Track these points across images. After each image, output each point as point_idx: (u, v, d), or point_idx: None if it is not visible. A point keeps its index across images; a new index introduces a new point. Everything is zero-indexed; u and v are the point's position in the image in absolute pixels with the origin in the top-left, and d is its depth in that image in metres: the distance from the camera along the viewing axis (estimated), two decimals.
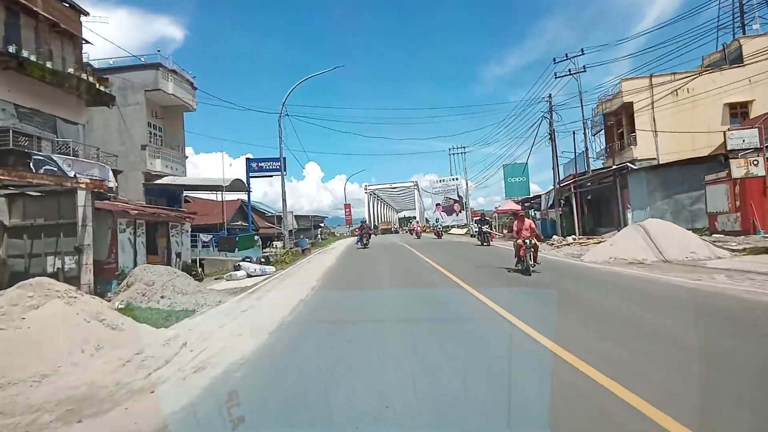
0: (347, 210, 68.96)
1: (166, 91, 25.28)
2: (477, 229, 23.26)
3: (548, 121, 25.82)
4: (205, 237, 20.24)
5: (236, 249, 20.14)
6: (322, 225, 51.55)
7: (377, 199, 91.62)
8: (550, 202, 26.45)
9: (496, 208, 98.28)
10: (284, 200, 24.22)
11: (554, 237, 23.42)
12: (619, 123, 37.27)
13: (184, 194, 34.67)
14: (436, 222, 33.87)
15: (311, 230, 46.57)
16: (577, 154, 39.64)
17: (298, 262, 20.08)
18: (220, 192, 27.86)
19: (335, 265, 17.04)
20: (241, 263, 17.63)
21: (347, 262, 18.31)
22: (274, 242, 24.42)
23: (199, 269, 19.53)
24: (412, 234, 46.15)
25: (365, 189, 79.21)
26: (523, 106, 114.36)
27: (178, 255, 18.16)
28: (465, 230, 57.93)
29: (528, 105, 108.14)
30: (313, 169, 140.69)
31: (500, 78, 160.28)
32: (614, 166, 25.32)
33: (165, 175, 26.11)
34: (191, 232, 26.69)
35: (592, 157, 40.10)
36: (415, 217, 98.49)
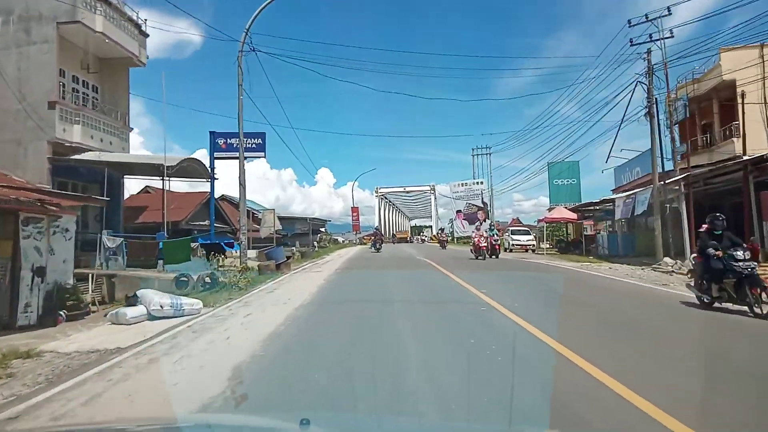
0: (354, 214, 60.85)
1: (92, 27, 17.41)
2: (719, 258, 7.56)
3: (644, 87, 17.57)
4: (110, 241, 12.31)
5: (160, 261, 12.17)
6: (322, 230, 43.46)
7: (389, 204, 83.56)
8: (641, 208, 18.16)
9: (512, 219, 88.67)
10: (242, 185, 16.05)
11: (665, 260, 15.07)
12: (704, 111, 28.86)
13: (139, 183, 26.95)
14: (490, 230, 24.45)
15: (309, 236, 38.54)
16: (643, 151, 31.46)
17: (257, 288, 12.02)
18: (166, 178, 19.99)
19: (305, 313, 8.86)
20: (140, 293, 9.57)
21: (330, 313, 10.12)
22: (220, 254, 16.35)
23: (90, 296, 11.63)
24: (443, 247, 34.16)
25: (376, 192, 71.20)
26: (563, 98, 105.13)
27: (40, 271, 10.16)
28: None
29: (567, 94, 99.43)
30: (325, 174, 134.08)
31: (516, 90, 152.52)
32: (746, 158, 16.91)
33: (90, 149, 18.33)
34: (125, 232, 18.90)
35: (666, 158, 32.01)
36: (430, 227, 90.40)
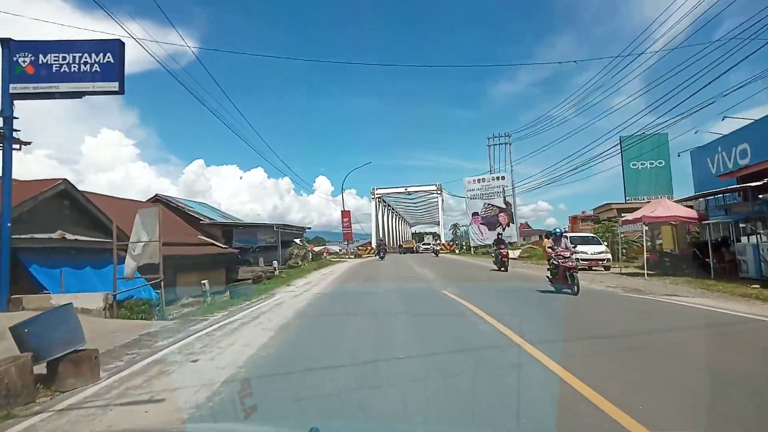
0: (345, 219, 49.50)
1: None
2: None
3: None
4: None
5: None
6: (297, 241, 31.69)
7: (387, 209, 72.60)
8: None
9: (521, 224, 73.40)
10: None
11: None
12: None
13: None
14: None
15: (277, 250, 27.51)
16: None
17: None
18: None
19: None
20: None
21: None
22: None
23: None
24: (504, 267, 20.98)
25: (373, 194, 60.13)
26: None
27: None
28: (518, 252, 38.81)
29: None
30: (323, 182, 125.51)
31: (511, 95, 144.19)
32: None
33: None
34: None
35: None
36: (435, 233, 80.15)
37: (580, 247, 22.37)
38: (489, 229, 45.41)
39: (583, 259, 21.64)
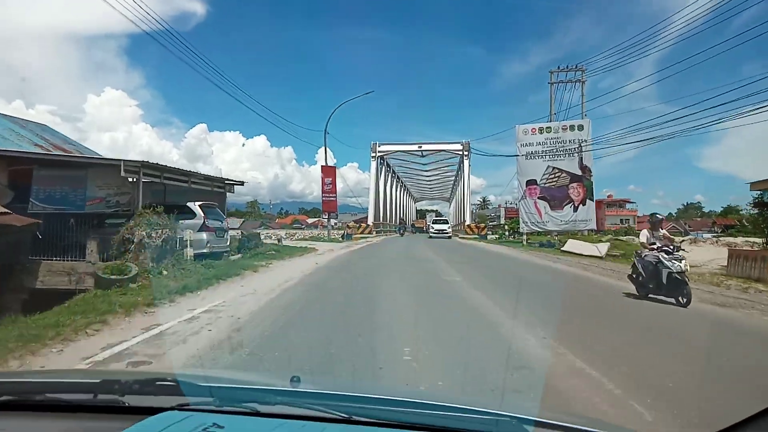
0: (329, 178, 31.90)
1: None
2: None
3: None
4: None
5: None
6: (191, 206, 14.07)
7: (392, 177, 56.24)
8: None
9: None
10: None
11: None
12: None
13: None
14: None
15: (172, 242, 11.41)
16: None
17: None
18: None
19: None
20: None
21: None
22: None
23: None
24: None
25: (373, 152, 43.69)
26: None
27: None
28: (605, 248, 22.81)
29: None
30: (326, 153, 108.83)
31: (523, 76, 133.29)
32: None
33: None
34: None
35: None
36: (437, 211, 64.59)
37: None
38: (552, 208, 29.13)
39: None
